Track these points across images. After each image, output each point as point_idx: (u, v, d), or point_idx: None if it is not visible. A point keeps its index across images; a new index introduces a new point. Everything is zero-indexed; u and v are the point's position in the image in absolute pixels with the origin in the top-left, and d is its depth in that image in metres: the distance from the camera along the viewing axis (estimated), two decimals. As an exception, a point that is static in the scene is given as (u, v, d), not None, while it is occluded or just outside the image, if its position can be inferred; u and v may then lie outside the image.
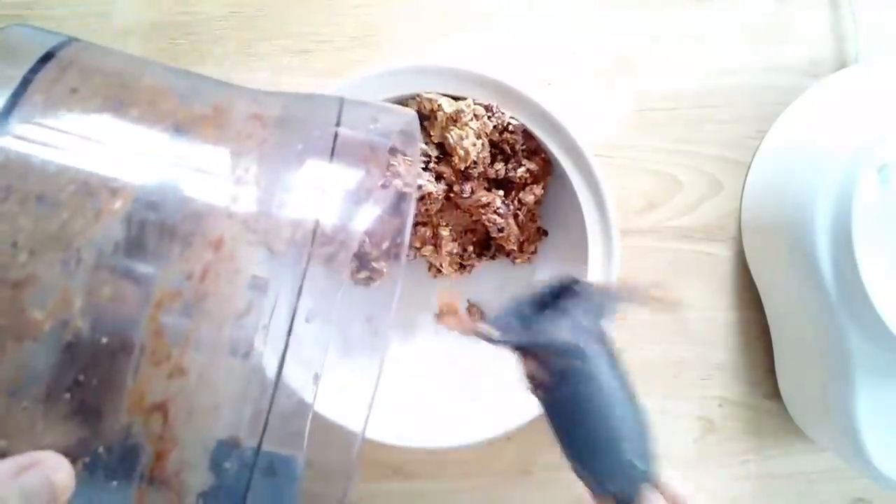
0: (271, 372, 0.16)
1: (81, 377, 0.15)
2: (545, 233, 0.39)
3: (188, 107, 0.18)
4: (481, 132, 0.35)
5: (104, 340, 0.15)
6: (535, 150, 0.36)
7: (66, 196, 0.15)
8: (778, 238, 0.35)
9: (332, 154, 0.18)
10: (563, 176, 0.35)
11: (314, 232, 0.16)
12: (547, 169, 0.36)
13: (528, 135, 0.35)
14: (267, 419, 0.15)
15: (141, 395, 0.16)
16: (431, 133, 0.36)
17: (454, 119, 0.35)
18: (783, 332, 0.38)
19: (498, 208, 0.36)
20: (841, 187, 0.31)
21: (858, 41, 0.38)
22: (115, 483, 0.16)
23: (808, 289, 0.33)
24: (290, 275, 0.16)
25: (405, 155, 0.22)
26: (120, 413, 0.16)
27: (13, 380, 0.15)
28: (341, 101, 0.20)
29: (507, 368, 0.37)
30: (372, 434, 0.33)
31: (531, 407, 0.34)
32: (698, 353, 0.40)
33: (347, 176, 0.18)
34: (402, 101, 0.36)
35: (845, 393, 0.33)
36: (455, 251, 0.38)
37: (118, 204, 0.16)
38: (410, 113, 0.23)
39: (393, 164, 0.25)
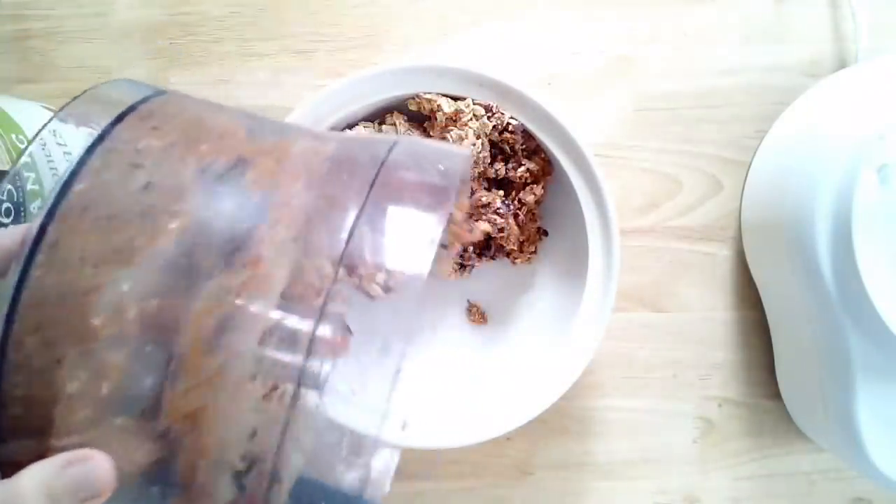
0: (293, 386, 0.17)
1: (132, 381, 0.17)
2: (545, 233, 0.39)
3: (253, 142, 0.21)
4: (481, 132, 0.35)
5: (149, 348, 0.17)
6: (535, 150, 0.36)
7: (131, 216, 0.18)
8: (778, 238, 0.35)
9: (371, 188, 0.19)
10: (563, 176, 0.35)
11: (340, 259, 0.18)
12: (547, 169, 0.36)
13: (528, 135, 0.35)
14: (283, 435, 0.17)
15: (177, 402, 0.17)
16: (431, 133, 0.36)
17: (454, 119, 0.35)
18: (783, 332, 0.38)
19: (498, 208, 0.36)
20: (841, 187, 0.31)
21: (858, 41, 0.38)
22: (154, 489, 0.18)
23: (808, 289, 0.33)
24: (315, 296, 0.17)
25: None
26: (160, 418, 0.17)
27: (73, 382, 0.17)
28: (395, 142, 0.22)
29: (507, 369, 0.37)
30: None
31: (531, 407, 0.34)
32: (698, 353, 0.40)
33: (384, 210, 0.19)
34: (402, 101, 0.36)
35: (845, 393, 0.33)
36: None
37: (174, 224, 0.18)
38: (463, 153, 0.23)
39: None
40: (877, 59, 0.35)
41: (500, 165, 0.36)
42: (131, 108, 0.20)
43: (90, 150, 0.18)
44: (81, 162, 0.18)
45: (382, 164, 0.20)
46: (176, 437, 0.17)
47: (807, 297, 0.33)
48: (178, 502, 0.18)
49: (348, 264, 0.18)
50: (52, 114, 0.36)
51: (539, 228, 0.39)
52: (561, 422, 0.40)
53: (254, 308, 0.17)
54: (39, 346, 0.16)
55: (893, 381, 0.33)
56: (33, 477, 0.16)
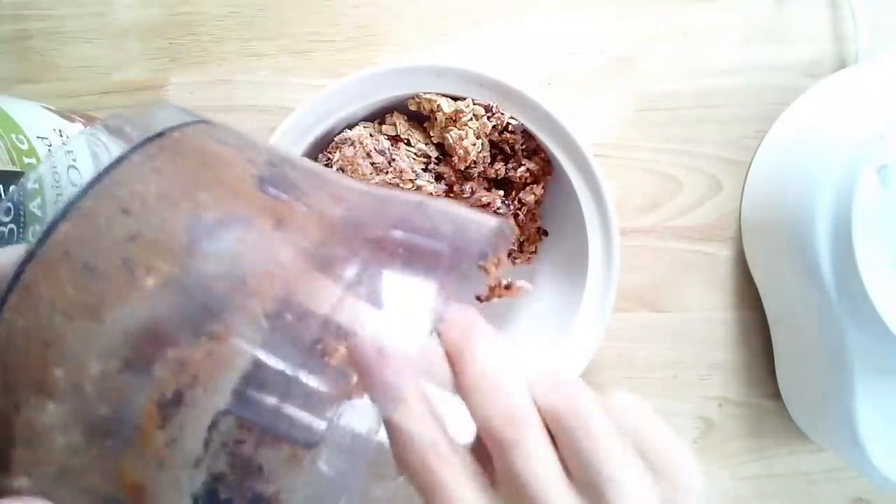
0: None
1: (85, 440, 0.16)
2: (545, 233, 0.39)
3: (258, 197, 0.19)
4: (480, 132, 0.35)
5: (104, 411, 0.16)
6: (535, 150, 0.36)
7: (109, 268, 0.17)
8: (778, 238, 0.35)
9: (363, 269, 0.18)
10: (563, 176, 0.35)
11: (312, 345, 0.16)
12: (547, 169, 0.36)
13: (528, 135, 0.35)
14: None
15: (124, 472, 0.16)
16: (431, 133, 0.36)
17: (453, 119, 0.35)
18: (783, 332, 0.38)
19: (498, 208, 0.36)
20: (841, 187, 0.31)
21: (858, 41, 0.38)
22: None
23: (808, 289, 0.33)
24: (282, 382, 0.16)
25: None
26: (109, 483, 0.17)
27: (30, 430, 0.16)
28: (419, 204, 0.20)
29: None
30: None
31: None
32: (698, 353, 0.40)
33: (377, 285, 0.18)
34: (402, 101, 0.36)
35: (845, 393, 0.33)
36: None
37: (150, 282, 0.16)
38: (490, 226, 0.20)
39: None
40: (877, 59, 0.35)
41: (500, 165, 0.36)
42: (145, 142, 0.19)
43: (87, 189, 0.17)
44: (74, 200, 0.17)
45: (386, 239, 0.18)
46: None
47: (807, 297, 0.33)
48: None
49: (325, 348, 0.17)
50: (52, 114, 0.36)
51: (539, 228, 0.39)
52: (561, 422, 0.40)
53: (209, 386, 0.16)
54: (1, 388, 0.16)
55: (893, 381, 0.33)
56: None
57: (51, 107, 0.37)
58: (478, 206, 0.36)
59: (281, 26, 0.40)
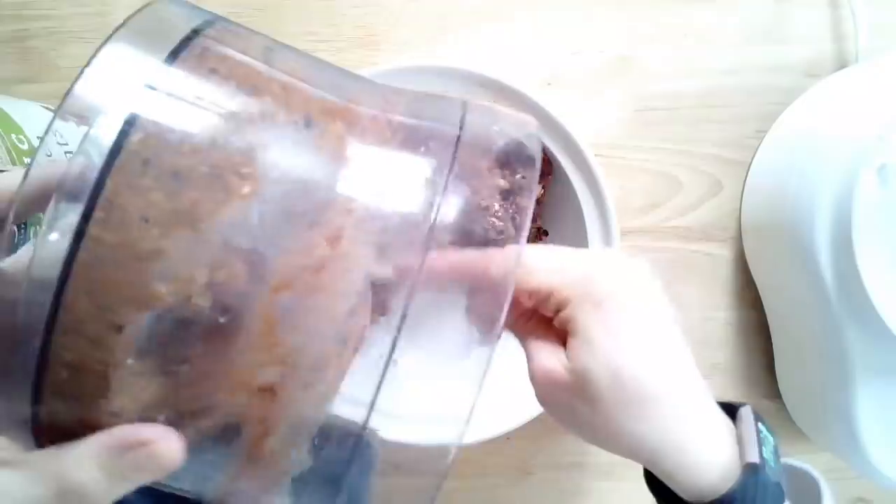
0: (377, 370, 0.16)
1: (197, 351, 0.16)
2: (545, 233, 0.39)
3: (320, 98, 0.19)
4: (481, 132, 0.35)
5: (221, 320, 0.16)
6: (534, 150, 0.36)
7: (198, 176, 0.16)
8: (778, 238, 0.35)
9: (453, 159, 0.18)
10: (563, 176, 0.35)
11: (427, 237, 0.17)
12: (547, 169, 0.36)
13: (527, 135, 0.35)
14: (369, 414, 0.16)
15: (249, 377, 0.16)
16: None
17: (454, 119, 0.35)
18: (783, 332, 0.38)
19: (497, 210, 0.36)
20: (841, 187, 0.31)
21: (858, 41, 0.38)
22: (214, 456, 0.17)
23: (808, 289, 0.33)
24: (398, 276, 0.16)
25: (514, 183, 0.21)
26: (229, 391, 0.16)
27: (132, 349, 0.15)
28: (465, 104, 0.20)
29: (507, 368, 0.37)
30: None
31: (531, 407, 0.34)
32: (698, 354, 0.40)
33: (465, 181, 0.18)
34: (402, 101, 0.36)
35: (845, 393, 0.33)
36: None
37: (246, 189, 0.16)
38: (531, 122, 0.22)
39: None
40: (877, 59, 0.35)
41: (500, 165, 0.36)
42: (185, 42, 0.17)
43: (146, 94, 0.16)
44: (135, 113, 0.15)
45: (458, 139, 0.18)
46: (244, 410, 0.16)
47: (807, 297, 0.33)
48: (240, 470, 0.17)
49: (436, 237, 0.16)
50: (52, 114, 0.36)
51: (539, 228, 0.39)
52: (561, 422, 0.40)
53: (335, 288, 0.16)
54: (94, 310, 0.15)
55: (893, 381, 0.33)
56: (90, 456, 0.15)
57: (51, 107, 0.37)
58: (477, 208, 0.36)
59: (280, 26, 0.39)
